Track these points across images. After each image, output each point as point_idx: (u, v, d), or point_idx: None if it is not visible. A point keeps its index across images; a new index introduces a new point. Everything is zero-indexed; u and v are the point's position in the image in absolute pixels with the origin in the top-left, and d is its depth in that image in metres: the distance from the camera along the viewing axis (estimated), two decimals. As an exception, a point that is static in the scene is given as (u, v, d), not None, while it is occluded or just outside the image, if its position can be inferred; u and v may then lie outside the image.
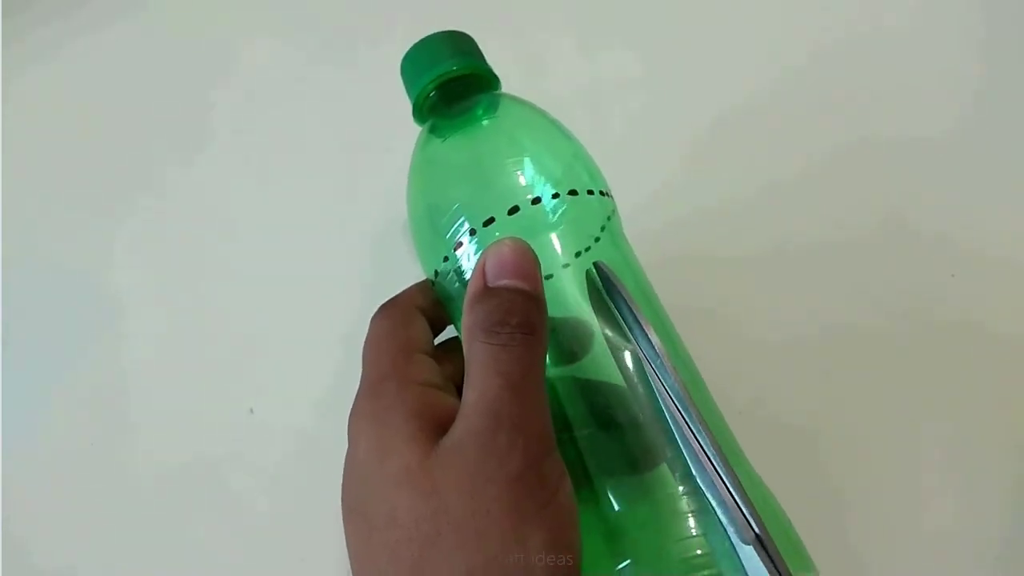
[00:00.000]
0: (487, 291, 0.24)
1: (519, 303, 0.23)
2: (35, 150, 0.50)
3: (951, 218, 0.41)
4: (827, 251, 0.40)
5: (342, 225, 0.44)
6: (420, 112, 0.29)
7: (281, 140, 0.48)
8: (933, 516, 0.35)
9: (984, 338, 0.38)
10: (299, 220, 0.45)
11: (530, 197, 0.26)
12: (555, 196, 0.26)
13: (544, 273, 0.25)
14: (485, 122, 0.29)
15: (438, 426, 0.23)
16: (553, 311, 0.25)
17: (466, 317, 0.24)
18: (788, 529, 0.24)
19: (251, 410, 0.40)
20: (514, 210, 0.26)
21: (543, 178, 0.27)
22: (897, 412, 0.37)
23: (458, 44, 0.29)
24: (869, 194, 0.42)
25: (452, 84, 0.28)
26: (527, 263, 0.24)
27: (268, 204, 0.46)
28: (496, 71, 0.29)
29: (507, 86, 0.30)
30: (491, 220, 0.26)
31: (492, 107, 0.29)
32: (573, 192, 0.26)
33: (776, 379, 0.37)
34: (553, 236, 0.26)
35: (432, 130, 0.29)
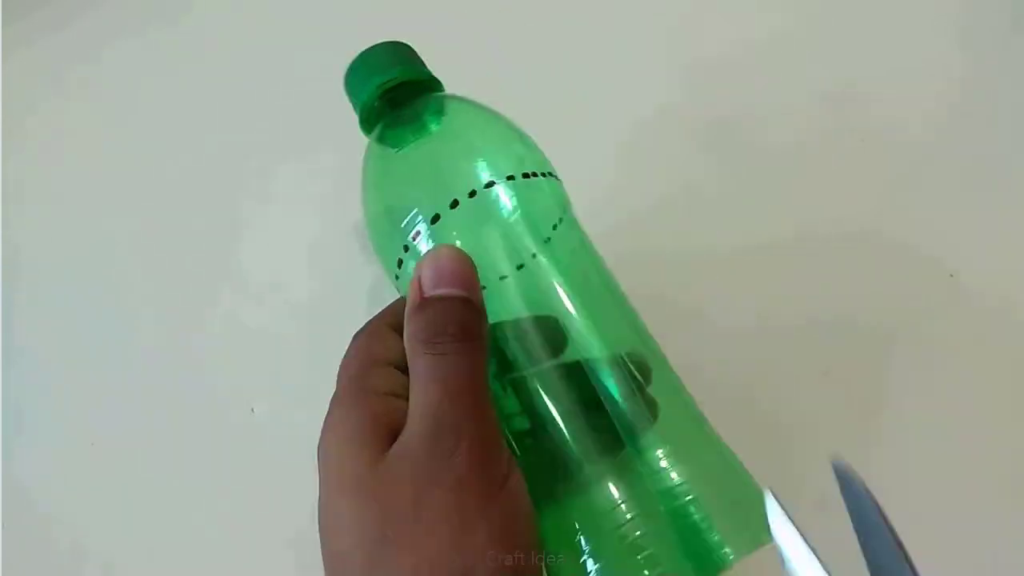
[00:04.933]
0: (423, 301, 0.24)
1: (455, 311, 0.23)
2: (36, 156, 0.50)
3: (950, 218, 0.40)
4: (825, 250, 0.40)
5: (344, 225, 0.44)
6: (367, 122, 0.29)
7: (276, 138, 0.48)
8: (931, 515, 0.33)
9: (983, 338, 0.37)
10: (300, 219, 0.45)
11: (483, 182, 0.26)
12: (509, 178, 0.26)
13: (516, 263, 0.26)
14: (434, 128, 0.29)
15: (391, 433, 0.23)
16: (527, 306, 0.25)
17: (405, 329, 0.24)
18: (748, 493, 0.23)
19: (251, 410, 0.40)
20: (472, 194, 0.25)
21: (495, 166, 0.27)
22: (895, 411, 0.36)
23: (396, 53, 0.29)
24: (868, 193, 0.41)
25: (396, 91, 0.28)
26: (463, 269, 0.24)
27: (269, 204, 0.46)
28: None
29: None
30: (452, 205, 0.26)
31: (439, 111, 0.29)
32: (526, 175, 0.26)
33: (772, 378, 0.37)
34: (513, 224, 0.26)
35: (381, 139, 0.29)
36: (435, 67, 0.30)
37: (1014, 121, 0.43)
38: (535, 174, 0.27)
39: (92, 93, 0.52)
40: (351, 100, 0.29)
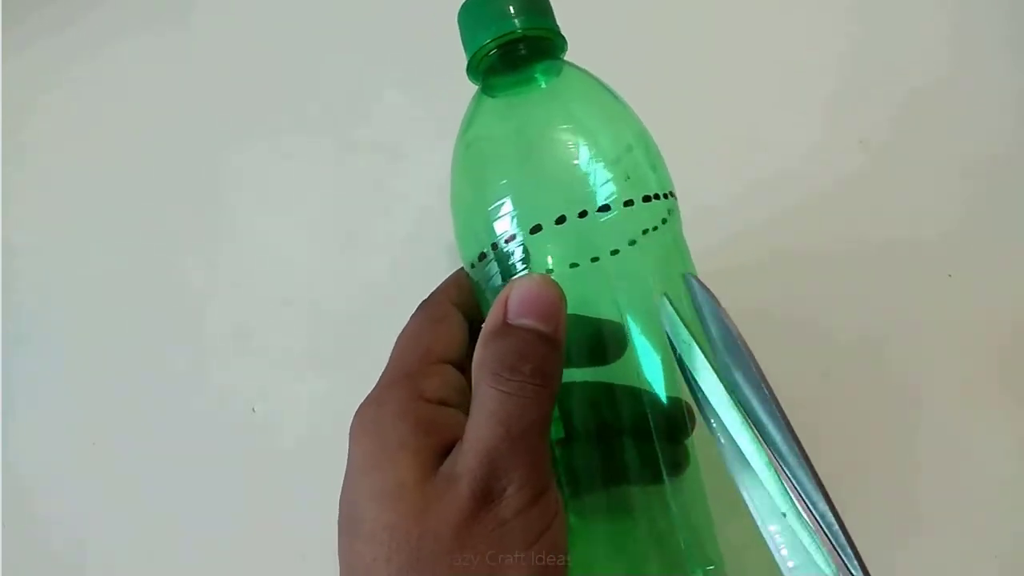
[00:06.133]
0: (505, 328, 0.23)
1: (536, 348, 0.22)
2: (36, 156, 0.49)
3: (949, 218, 0.41)
4: (824, 250, 0.41)
5: (346, 225, 0.44)
6: (475, 72, 0.27)
7: (279, 139, 0.47)
8: (931, 514, 0.35)
9: (982, 338, 0.38)
10: (303, 219, 0.45)
11: (589, 206, 0.24)
12: (606, 207, 0.24)
13: (590, 256, 0.25)
14: (543, 85, 0.27)
15: (440, 447, 0.23)
16: (587, 307, 0.24)
17: (479, 351, 0.23)
18: None
19: (252, 410, 0.39)
20: (561, 220, 0.24)
21: (601, 176, 0.25)
22: (894, 411, 0.37)
23: None
24: (867, 194, 0.42)
25: (514, 44, 0.26)
26: (553, 305, 0.23)
27: (271, 203, 0.45)
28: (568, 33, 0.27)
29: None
30: (538, 228, 0.24)
31: (553, 71, 0.27)
32: (629, 203, 0.25)
33: (770, 380, 0.37)
34: (608, 229, 0.25)
35: (485, 90, 0.28)
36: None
37: (1013, 120, 0.43)
38: (657, 196, 0.25)
39: (92, 93, 0.51)
40: (463, 43, 0.27)
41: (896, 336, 0.39)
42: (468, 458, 0.22)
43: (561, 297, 0.23)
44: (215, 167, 0.47)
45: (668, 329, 0.23)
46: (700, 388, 0.23)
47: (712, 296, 0.23)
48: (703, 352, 0.22)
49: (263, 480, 0.38)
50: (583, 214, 0.24)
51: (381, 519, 0.21)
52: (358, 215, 0.44)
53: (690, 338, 0.23)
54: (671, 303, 0.23)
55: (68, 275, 0.45)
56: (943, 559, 0.35)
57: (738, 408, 0.22)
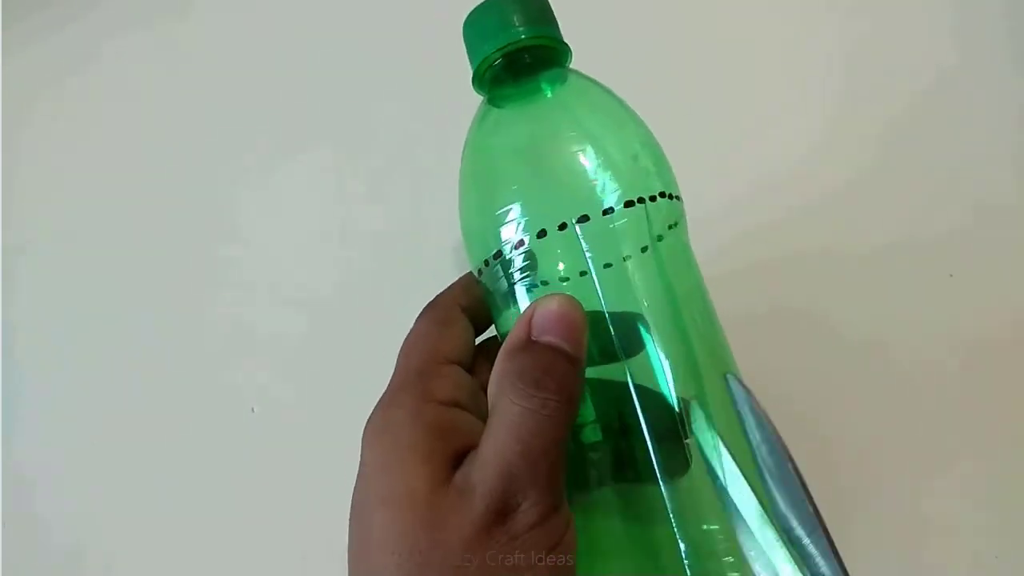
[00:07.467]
0: (529, 344, 0.23)
1: (559, 366, 0.22)
2: (36, 156, 0.49)
3: (949, 218, 0.41)
4: (824, 250, 0.41)
5: (345, 223, 0.44)
6: (481, 82, 0.27)
7: (278, 136, 0.47)
8: (933, 515, 0.35)
9: (983, 338, 0.38)
10: (302, 218, 0.44)
11: (592, 210, 0.24)
12: (609, 210, 0.24)
13: (603, 262, 0.25)
14: (549, 94, 0.27)
15: (453, 452, 0.23)
16: (596, 304, 0.24)
17: (500, 364, 0.23)
18: None
19: (251, 410, 0.39)
20: (563, 226, 0.24)
21: (606, 181, 0.25)
22: (894, 411, 0.37)
23: (530, 7, 0.26)
24: (868, 193, 0.42)
25: (519, 53, 0.26)
26: (576, 326, 0.23)
27: (271, 202, 0.45)
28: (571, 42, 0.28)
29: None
30: (543, 233, 0.24)
31: (558, 80, 0.27)
32: (640, 200, 0.25)
33: (768, 381, 0.36)
34: (615, 232, 0.25)
35: (491, 101, 0.28)
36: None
37: (1015, 120, 0.43)
38: (648, 197, 0.25)
39: (93, 92, 0.50)
40: (468, 54, 0.27)
41: (897, 336, 0.38)
42: (485, 471, 0.21)
43: (583, 318, 0.23)
44: (216, 166, 0.47)
45: (697, 434, 0.23)
46: (733, 500, 0.22)
47: (753, 397, 0.23)
48: (735, 460, 0.22)
49: (263, 480, 0.38)
50: (584, 219, 0.24)
51: (392, 526, 0.21)
52: (359, 215, 0.44)
53: (719, 444, 0.23)
54: (702, 408, 0.23)
55: (68, 274, 0.45)
56: (943, 559, 0.35)
57: (774, 526, 0.21)
